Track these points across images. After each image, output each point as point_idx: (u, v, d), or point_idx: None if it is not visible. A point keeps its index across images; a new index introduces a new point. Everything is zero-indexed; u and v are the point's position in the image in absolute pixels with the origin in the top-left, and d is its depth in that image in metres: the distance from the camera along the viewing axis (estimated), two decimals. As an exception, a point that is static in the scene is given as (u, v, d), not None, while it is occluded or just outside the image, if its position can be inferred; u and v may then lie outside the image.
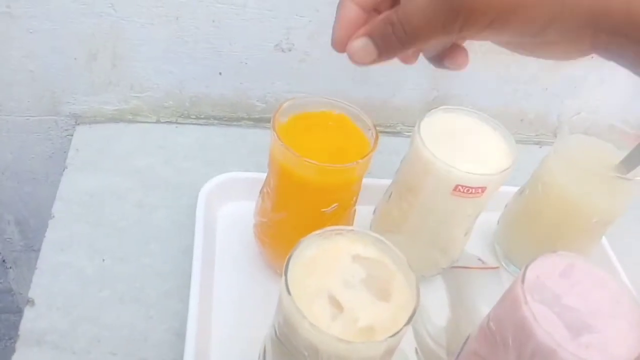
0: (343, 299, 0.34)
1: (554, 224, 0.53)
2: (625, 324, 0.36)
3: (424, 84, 0.70)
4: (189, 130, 0.68)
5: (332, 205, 0.45)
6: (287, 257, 0.34)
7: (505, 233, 0.59)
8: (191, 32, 0.60)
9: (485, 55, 0.67)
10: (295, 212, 0.45)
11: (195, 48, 0.61)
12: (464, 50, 0.35)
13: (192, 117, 0.68)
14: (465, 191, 0.45)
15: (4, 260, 0.85)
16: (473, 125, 0.49)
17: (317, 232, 0.37)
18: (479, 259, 0.61)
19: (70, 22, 0.57)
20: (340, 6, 0.33)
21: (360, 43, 0.31)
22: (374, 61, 0.32)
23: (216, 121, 0.69)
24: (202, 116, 0.68)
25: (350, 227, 0.38)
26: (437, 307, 0.55)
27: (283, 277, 0.33)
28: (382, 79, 0.69)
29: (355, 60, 0.32)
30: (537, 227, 0.54)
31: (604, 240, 0.62)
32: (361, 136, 0.46)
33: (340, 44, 0.32)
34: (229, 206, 0.58)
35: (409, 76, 0.69)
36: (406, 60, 0.36)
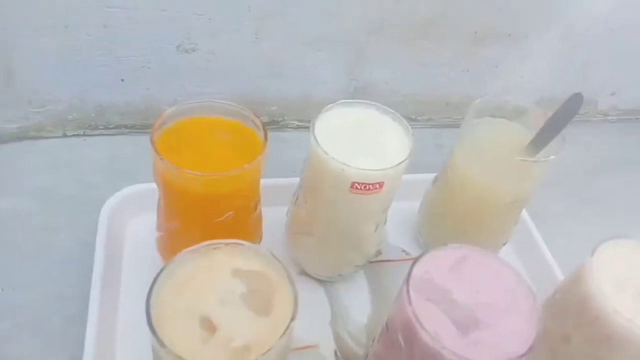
0: (217, 318, 0.32)
1: (465, 211, 0.51)
2: (518, 317, 0.35)
3: (341, 76, 0.68)
4: (98, 142, 0.65)
5: (226, 214, 0.43)
6: (154, 277, 0.32)
7: (425, 222, 0.58)
8: (83, 40, 0.57)
9: (401, 42, 0.66)
10: (187, 224, 0.43)
11: (90, 56, 0.58)
12: None
13: (100, 127, 0.65)
14: (362, 188, 0.43)
15: None
16: (371, 118, 0.47)
17: (192, 248, 0.35)
18: (403, 251, 0.60)
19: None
20: None
21: None
22: None
23: (127, 130, 0.66)
24: (111, 126, 0.65)
25: (229, 240, 0.35)
26: (358, 305, 0.54)
27: (145, 301, 0.31)
28: (297, 74, 0.66)
29: None
30: (450, 214, 0.53)
31: (528, 221, 0.61)
32: (254, 139, 0.44)
33: None
34: (138, 220, 0.55)
35: (324, 69, 0.67)
36: None
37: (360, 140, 0.45)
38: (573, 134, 0.83)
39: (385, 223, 0.52)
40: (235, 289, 0.34)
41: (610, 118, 0.88)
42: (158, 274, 0.33)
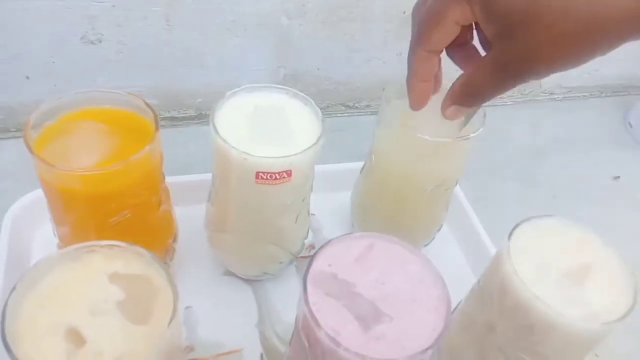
0: (87, 330, 0.29)
1: (391, 198, 0.49)
2: (425, 308, 0.32)
3: (269, 63, 0.65)
4: (10, 146, 0.60)
5: (121, 214, 0.39)
6: (12, 287, 0.29)
7: (357, 211, 0.55)
8: (-25, 36, 0.52)
9: (326, 25, 0.63)
10: (80, 228, 0.39)
11: (-12, 54, 0.54)
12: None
13: (12, 130, 0.61)
14: (269, 177, 0.40)
15: None
16: (279, 102, 0.44)
17: (62, 251, 0.31)
18: (337, 243, 0.57)
19: None
20: (415, 60, 0.38)
21: (451, 110, 0.38)
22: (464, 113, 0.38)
23: (40, 131, 0.62)
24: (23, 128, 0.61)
25: (107, 242, 0.32)
26: (289, 304, 0.51)
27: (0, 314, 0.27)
28: (220, 63, 0.63)
29: (451, 118, 0.38)
30: (378, 203, 0.50)
31: (465, 204, 0.59)
32: (148, 130, 0.40)
33: (419, 106, 0.41)
34: (47, 227, 0.52)
35: (250, 57, 0.64)
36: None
37: (266, 127, 0.42)
38: (519, 114, 0.83)
39: (308, 214, 0.49)
40: (110, 297, 0.31)
41: (556, 97, 0.86)
42: (17, 283, 0.29)
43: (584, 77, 0.85)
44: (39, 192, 0.51)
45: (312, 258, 0.33)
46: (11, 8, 0.51)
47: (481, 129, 0.44)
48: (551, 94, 0.85)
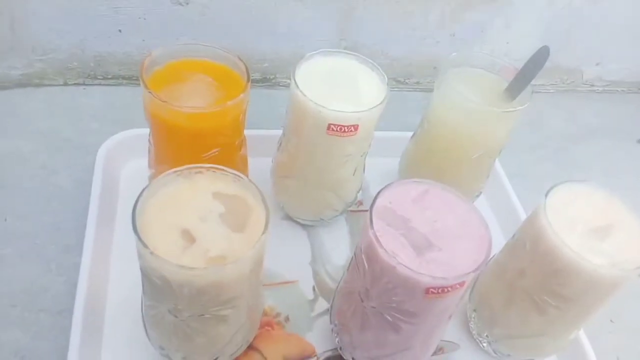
0: (196, 232, 0.36)
1: (438, 162, 0.55)
2: (469, 243, 0.38)
3: (332, 35, 0.71)
4: (97, 92, 0.68)
5: (212, 151, 0.46)
6: (139, 193, 0.36)
7: (404, 175, 0.61)
8: (83, -10, 0.60)
9: (389, 3, 0.68)
10: (176, 159, 0.46)
11: (90, 6, 0.61)
12: None
13: (99, 77, 0.68)
14: (338, 129, 0.46)
15: None
16: (350, 66, 0.50)
17: (175, 170, 0.38)
18: (383, 202, 0.63)
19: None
20: None
21: None
22: None
23: (125, 81, 0.69)
24: (109, 76, 0.68)
25: (210, 165, 0.39)
26: (338, 249, 0.58)
27: (132, 213, 0.34)
28: (289, 31, 0.69)
29: None
30: (425, 166, 0.56)
31: (503, 176, 0.64)
32: (239, 82, 0.47)
33: None
34: (134, 163, 0.59)
35: (316, 27, 0.70)
36: None
37: (338, 86, 0.48)
38: (558, 102, 0.87)
39: (364, 170, 0.55)
40: (214, 209, 0.38)
41: (596, 89, 0.90)
42: (143, 190, 0.36)
43: (624, 72, 0.89)
44: (125, 133, 0.59)
45: (376, 195, 0.39)
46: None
47: (527, 104, 0.50)
48: (592, 85, 0.89)
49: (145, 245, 0.33)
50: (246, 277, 0.36)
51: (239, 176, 0.39)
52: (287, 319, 0.51)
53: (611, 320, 0.58)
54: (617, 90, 0.91)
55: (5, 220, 0.54)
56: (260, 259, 0.38)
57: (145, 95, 0.44)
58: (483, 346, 0.50)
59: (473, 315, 0.51)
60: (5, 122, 0.62)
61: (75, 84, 0.68)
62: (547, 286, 0.43)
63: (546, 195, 0.43)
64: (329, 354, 0.49)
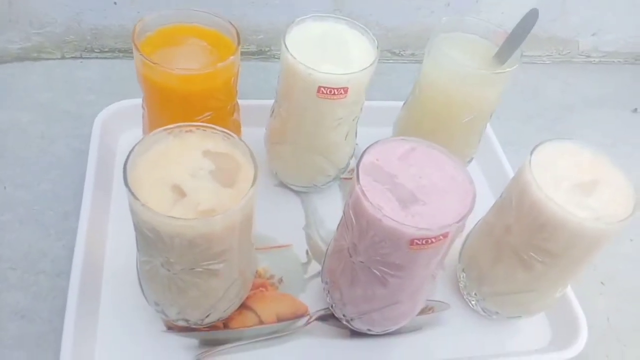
0: (187, 186, 0.37)
1: (430, 127, 0.55)
2: (453, 197, 0.39)
3: (327, 6, 0.71)
4: (94, 65, 0.69)
5: (205, 114, 0.47)
6: (130, 150, 0.37)
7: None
8: (77, -39, 0.60)
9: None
10: (169, 123, 0.47)
11: (84, -23, 0.62)
12: None
13: (96, 50, 0.69)
14: (328, 92, 0.47)
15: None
16: (341, 31, 0.50)
17: (166, 128, 0.39)
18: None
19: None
20: None
21: None
22: None
23: (121, 54, 0.70)
24: (106, 49, 0.69)
25: (200, 124, 0.40)
26: (331, 214, 0.59)
27: (123, 168, 0.35)
28: (284, 2, 0.69)
29: None
30: (417, 132, 0.57)
31: (495, 142, 0.65)
32: (230, 46, 0.47)
33: None
34: (129, 132, 0.60)
35: (309, -1, 0.70)
36: None
37: (328, 50, 0.49)
38: (554, 73, 0.87)
39: (356, 135, 0.56)
40: (204, 166, 0.38)
41: (592, 60, 0.90)
42: (135, 145, 0.37)
43: (621, 42, 0.89)
44: (120, 103, 0.60)
45: (363, 152, 0.40)
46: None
47: (516, 66, 0.50)
48: (587, 56, 0.89)
49: (136, 198, 0.34)
50: (236, 230, 0.37)
51: (228, 134, 0.40)
52: (280, 280, 0.52)
53: (602, 283, 0.59)
54: (613, 61, 0.91)
55: (5, 188, 0.55)
56: (249, 213, 0.39)
57: (137, 59, 0.44)
58: (472, 304, 0.52)
59: (462, 276, 0.52)
60: (5, 95, 0.63)
61: (72, 57, 0.69)
62: (533, 242, 0.43)
63: (532, 152, 0.43)
64: (322, 312, 0.50)
